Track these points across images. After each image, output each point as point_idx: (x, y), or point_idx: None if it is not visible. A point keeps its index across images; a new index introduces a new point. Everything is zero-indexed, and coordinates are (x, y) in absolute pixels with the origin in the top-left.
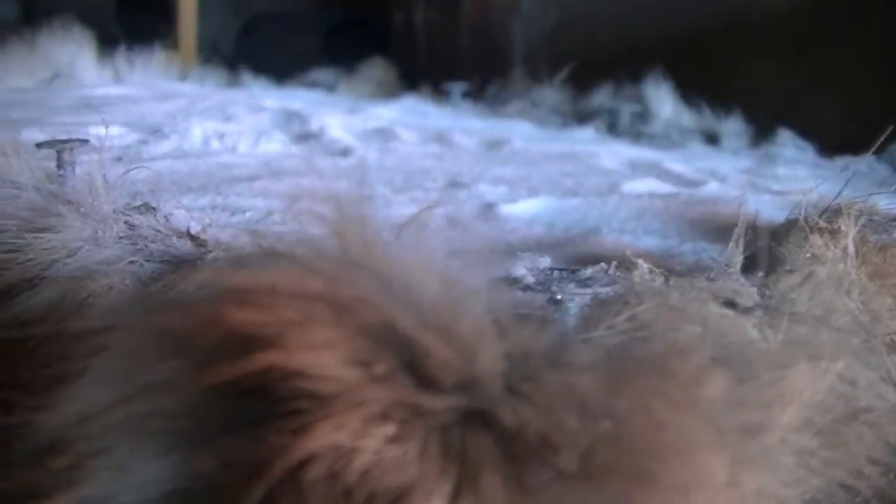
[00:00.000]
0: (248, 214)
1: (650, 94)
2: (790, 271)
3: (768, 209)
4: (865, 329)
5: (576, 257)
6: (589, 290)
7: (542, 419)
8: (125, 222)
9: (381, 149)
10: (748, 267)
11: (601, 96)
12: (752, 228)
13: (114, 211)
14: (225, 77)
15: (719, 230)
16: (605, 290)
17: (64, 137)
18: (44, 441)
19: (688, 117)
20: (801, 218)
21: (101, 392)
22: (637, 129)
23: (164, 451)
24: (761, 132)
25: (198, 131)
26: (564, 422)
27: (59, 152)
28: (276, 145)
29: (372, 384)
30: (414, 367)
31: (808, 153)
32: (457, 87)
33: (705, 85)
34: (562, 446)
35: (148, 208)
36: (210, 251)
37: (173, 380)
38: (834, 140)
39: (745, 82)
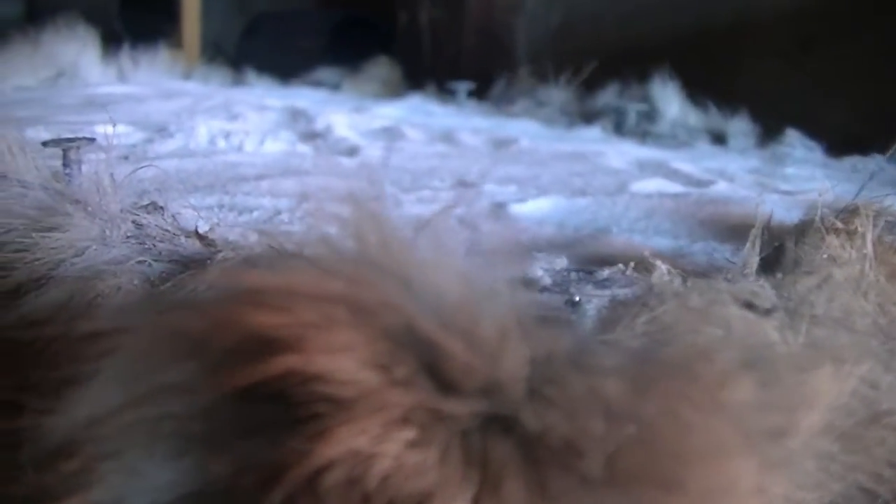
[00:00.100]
0: (255, 214)
1: (657, 93)
2: (808, 273)
3: (779, 209)
4: (884, 331)
5: (588, 257)
6: (607, 292)
7: (566, 423)
8: (133, 221)
9: (388, 148)
10: (763, 268)
11: (607, 95)
12: (766, 229)
13: (121, 210)
14: (229, 76)
15: (729, 230)
16: (623, 292)
17: (70, 136)
18: (54, 444)
19: (694, 117)
20: (816, 219)
21: (113, 394)
22: (644, 128)
23: (176, 454)
24: (767, 132)
25: (203, 130)
26: (589, 426)
27: (65, 151)
28: (282, 144)
29: (392, 388)
30: (435, 371)
31: (817, 153)
32: (462, 86)
33: (710, 84)
34: (586, 451)
35: (155, 207)
36: (219, 251)
37: (187, 382)
38: (839, 139)
39: (751, 82)
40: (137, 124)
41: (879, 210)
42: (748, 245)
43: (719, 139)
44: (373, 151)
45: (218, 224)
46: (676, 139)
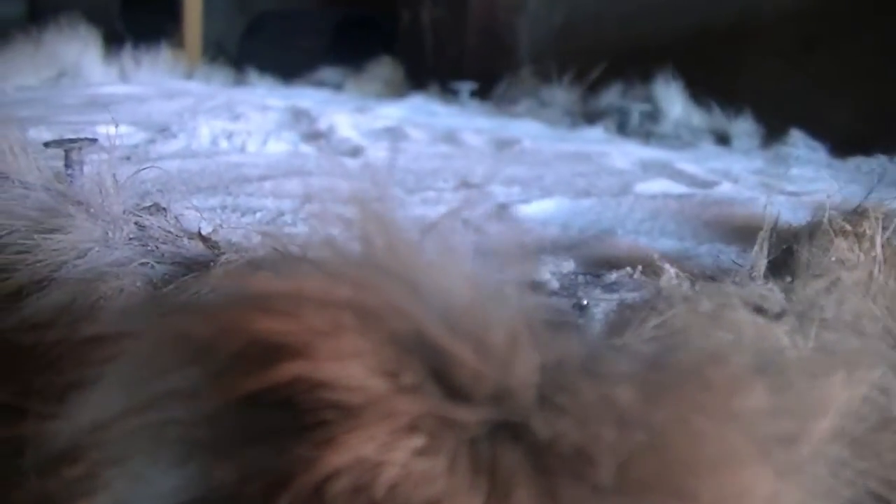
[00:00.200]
0: (258, 215)
1: (660, 93)
2: (817, 276)
3: (784, 211)
4: (894, 335)
5: (594, 260)
6: (615, 296)
7: (577, 431)
8: (135, 223)
9: (391, 148)
10: (771, 271)
11: (610, 96)
12: (774, 231)
13: (124, 211)
14: (231, 76)
15: (735, 232)
16: (631, 296)
17: (72, 136)
18: (57, 449)
19: (698, 117)
20: (824, 221)
21: (117, 399)
22: (647, 128)
23: (181, 460)
24: (771, 132)
25: (206, 130)
26: (601, 434)
27: (67, 151)
28: (285, 145)
29: (400, 395)
30: (444, 377)
31: (820, 153)
32: (465, 87)
33: (713, 84)
34: (598, 459)
35: (158, 209)
36: (222, 253)
37: (192, 387)
38: (842, 139)
39: (753, 82)
40: (139, 124)
41: (888, 212)
42: (756, 248)
43: (723, 139)
44: (376, 152)
45: (221, 226)
46: (680, 139)
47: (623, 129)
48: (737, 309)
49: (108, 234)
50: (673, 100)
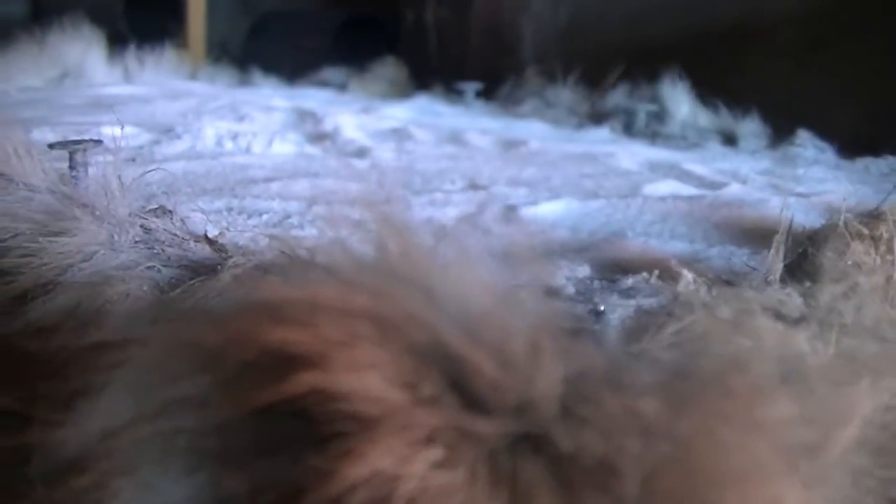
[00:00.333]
0: (265, 217)
1: (666, 93)
2: (834, 281)
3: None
4: None
5: (606, 263)
6: (632, 301)
7: (601, 443)
8: (141, 226)
9: (397, 149)
10: (787, 275)
11: (617, 96)
12: (788, 234)
13: (129, 214)
14: (235, 76)
15: (746, 233)
16: (648, 301)
17: (76, 137)
18: (65, 458)
19: (705, 117)
20: (840, 224)
21: (125, 407)
22: (653, 129)
23: (191, 470)
24: (777, 132)
25: (211, 131)
26: (625, 446)
27: (71, 153)
28: (290, 146)
29: (419, 406)
30: (463, 388)
31: (828, 154)
32: (470, 87)
33: (719, 85)
34: (622, 471)
35: (164, 211)
36: (229, 256)
37: (202, 396)
38: (849, 139)
39: (760, 82)
40: (144, 125)
41: None
42: (772, 251)
43: (729, 140)
44: (382, 153)
45: (227, 228)
46: (686, 140)
47: (629, 129)
48: (756, 315)
49: (113, 237)
50: (679, 100)
